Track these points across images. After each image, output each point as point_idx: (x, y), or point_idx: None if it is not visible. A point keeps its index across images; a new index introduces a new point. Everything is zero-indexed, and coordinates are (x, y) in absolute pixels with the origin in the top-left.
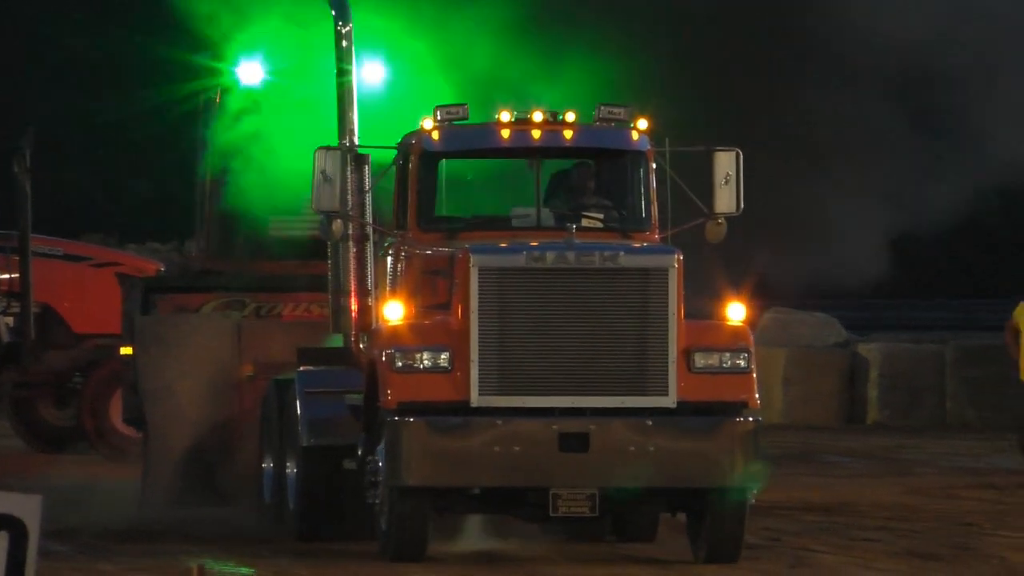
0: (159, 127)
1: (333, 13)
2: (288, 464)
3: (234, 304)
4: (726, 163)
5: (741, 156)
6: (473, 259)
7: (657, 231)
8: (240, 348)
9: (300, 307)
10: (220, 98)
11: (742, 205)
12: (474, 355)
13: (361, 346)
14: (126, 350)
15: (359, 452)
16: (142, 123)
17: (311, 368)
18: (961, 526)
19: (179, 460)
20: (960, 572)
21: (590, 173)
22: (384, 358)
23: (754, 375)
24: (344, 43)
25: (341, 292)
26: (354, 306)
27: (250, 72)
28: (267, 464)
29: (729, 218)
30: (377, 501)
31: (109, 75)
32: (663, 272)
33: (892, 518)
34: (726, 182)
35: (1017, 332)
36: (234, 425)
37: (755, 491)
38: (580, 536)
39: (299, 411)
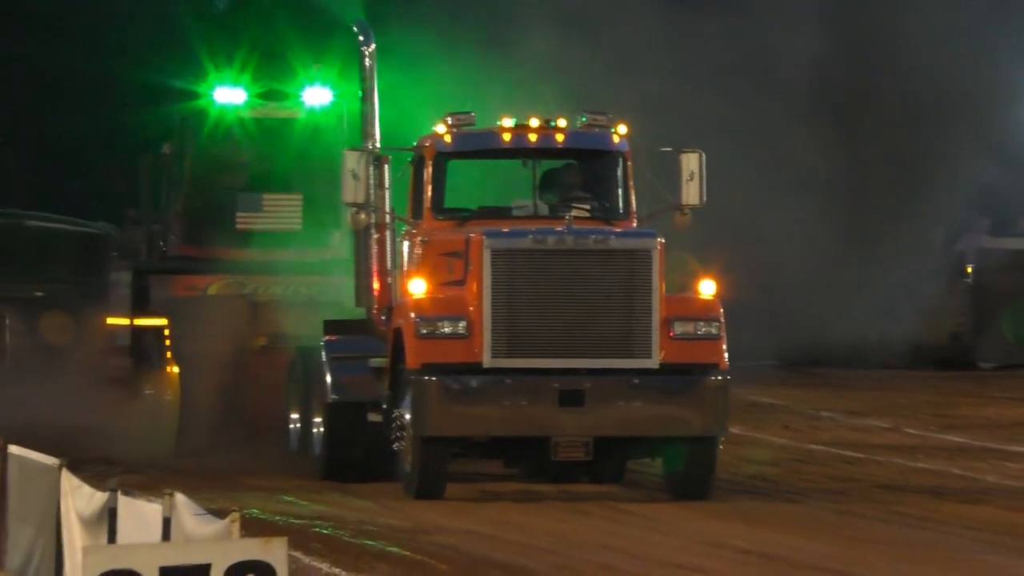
0: (140, 144)
1: (360, 37)
2: (314, 418)
3: (234, 285)
4: (690, 163)
5: (703, 156)
6: (486, 242)
7: (634, 220)
8: (255, 322)
9: (290, 288)
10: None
11: (705, 198)
12: (486, 323)
13: (383, 318)
14: (116, 320)
15: (384, 407)
16: (119, 140)
17: (335, 337)
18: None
19: (208, 415)
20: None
21: (578, 170)
22: (409, 326)
23: (723, 341)
24: (368, 62)
25: (365, 273)
26: (376, 284)
27: (229, 95)
28: (293, 418)
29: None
30: (402, 448)
31: (72, 94)
32: (648, 253)
33: None
34: (691, 179)
35: None
36: (250, 386)
37: (723, 438)
38: (559, 479)
39: (326, 373)
